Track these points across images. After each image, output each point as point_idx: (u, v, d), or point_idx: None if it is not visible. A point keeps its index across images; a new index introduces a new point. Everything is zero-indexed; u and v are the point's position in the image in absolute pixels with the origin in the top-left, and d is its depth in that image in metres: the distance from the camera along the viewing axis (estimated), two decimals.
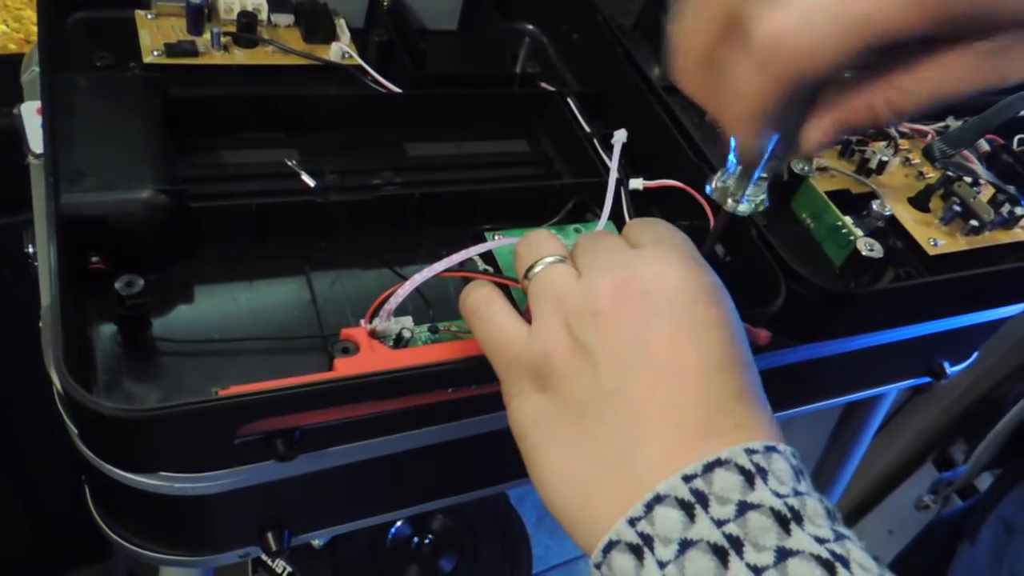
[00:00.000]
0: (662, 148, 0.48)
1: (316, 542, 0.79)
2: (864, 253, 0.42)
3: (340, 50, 0.50)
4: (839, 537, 0.23)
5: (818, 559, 0.22)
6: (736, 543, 0.22)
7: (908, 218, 0.47)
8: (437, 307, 0.40)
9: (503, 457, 0.47)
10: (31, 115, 0.42)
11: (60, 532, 0.90)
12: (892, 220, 0.46)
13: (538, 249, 0.31)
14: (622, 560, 0.24)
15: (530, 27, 0.60)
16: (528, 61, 0.56)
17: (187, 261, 0.40)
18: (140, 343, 0.36)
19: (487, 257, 0.43)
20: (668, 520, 0.23)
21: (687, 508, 0.23)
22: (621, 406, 0.26)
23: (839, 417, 0.86)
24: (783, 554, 0.22)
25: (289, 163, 0.42)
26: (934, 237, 0.46)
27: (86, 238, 0.36)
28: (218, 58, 0.48)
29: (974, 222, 0.46)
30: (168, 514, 0.39)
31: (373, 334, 0.37)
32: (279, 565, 0.64)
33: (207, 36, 0.48)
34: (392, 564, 0.88)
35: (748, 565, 0.22)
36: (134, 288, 0.34)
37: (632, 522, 0.24)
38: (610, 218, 0.45)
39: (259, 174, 0.44)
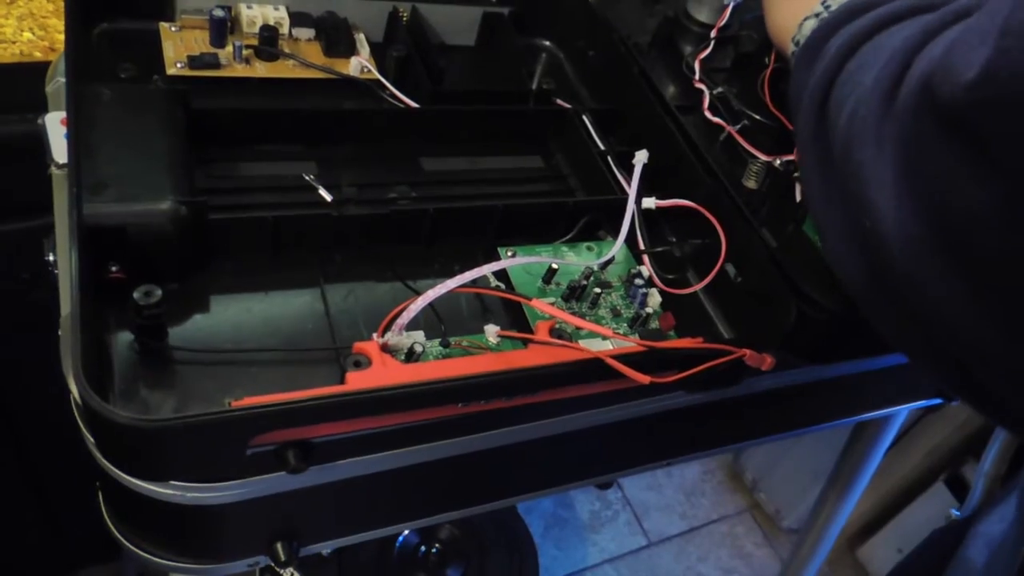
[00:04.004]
0: (675, 167, 0.48)
1: (324, 550, 0.80)
2: None
3: (359, 64, 0.51)
4: None
5: None
6: None
7: None
8: (449, 322, 0.41)
9: (512, 472, 0.48)
10: (55, 125, 0.43)
11: (71, 531, 0.91)
12: None
13: None
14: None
15: (547, 43, 0.60)
16: (544, 77, 0.56)
17: (204, 271, 0.40)
18: (156, 352, 0.37)
19: (500, 273, 0.44)
20: None
21: None
22: None
23: (850, 435, 0.86)
24: None
25: (307, 178, 0.43)
26: None
27: (106, 248, 0.37)
28: (240, 71, 0.48)
29: None
30: (179, 522, 0.39)
31: (385, 348, 0.37)
32: (288, 573, 0.64)
33: (229, 49, 0.49)
34: (399, 573, 0.88)
35: None
36: (152, 298, 0.35)
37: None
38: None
39: (276, 186, 0.45)
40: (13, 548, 0.91)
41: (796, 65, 0.37)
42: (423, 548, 0.91)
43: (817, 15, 0.39)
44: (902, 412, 0.74)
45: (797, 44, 0.40)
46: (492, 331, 0.40)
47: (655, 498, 1.35)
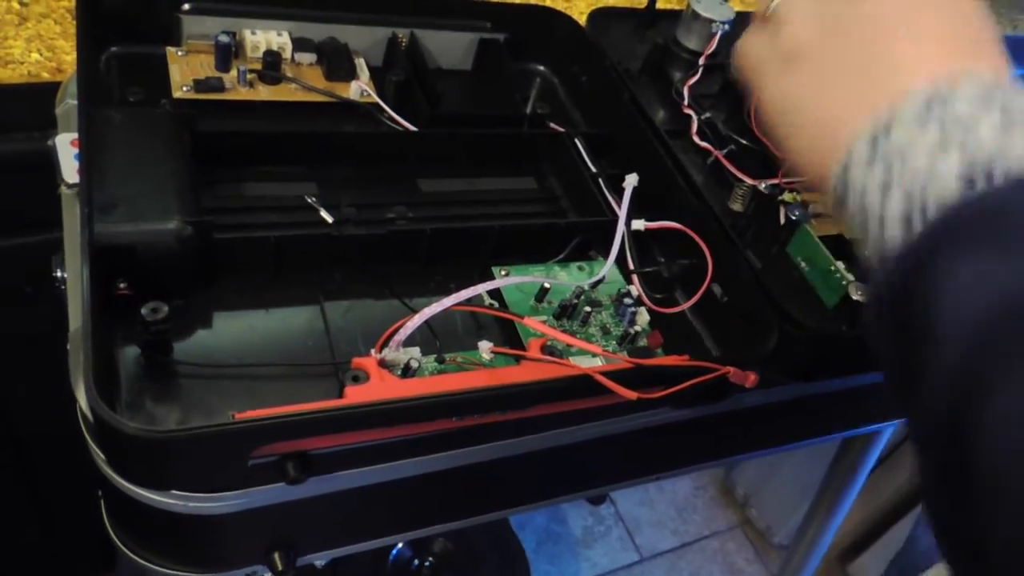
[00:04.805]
0: (663, 189, 0.50)
1: (318, 562, 0.80)
2: (855, 297, 0.44)
3: (359, 88, 0.52)
4: None
5: None
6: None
7: None
8: (444, 339, 0.42)
9: (505, 485, 0.49)
10: (65, 146, 0.44)
11: (69, 540, 0.92)
12: None
13: None
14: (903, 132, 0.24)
15: (541, 69, 0.62)
16: (538, 102, 0.58)
17: (208, 288, 0.42)
18: (162, 366, 0.38)
19: (494, 292, 0.45)
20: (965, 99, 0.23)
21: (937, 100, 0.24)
22: (855, 60, 0.27)
23: (836, 451, 0.88)
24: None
25: (309, 200, 0.44)
26: None
27: (115, 265, 0.38)
28: (243, 94, 0.50)
29: None
30: (181, 531, 0.41)
31: (382, 363, 0.38)
32: None
33: (234, 73, 0.50)
34: None
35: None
36: (159, 314, 0.36)
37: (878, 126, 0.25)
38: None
39: (279, 207, 0.46)
40: (10, 558, 0.92)
41: (881, 287, 0.23)
42: (416, 561, 0.91)
43: (873, 140, 0.24)
44: (888, 428, 0.76)
45: (845, 186, 0.25)
46: (486, 348, 0.41)
47: (647, 514, 1.36)
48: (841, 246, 0.48)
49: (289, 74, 0.52)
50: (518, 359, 0.41)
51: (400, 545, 0.91)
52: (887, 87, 0.25)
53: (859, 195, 0.25)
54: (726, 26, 0.58)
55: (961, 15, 0.27)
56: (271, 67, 0.51)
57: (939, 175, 0.23)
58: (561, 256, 0.48)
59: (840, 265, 0.45)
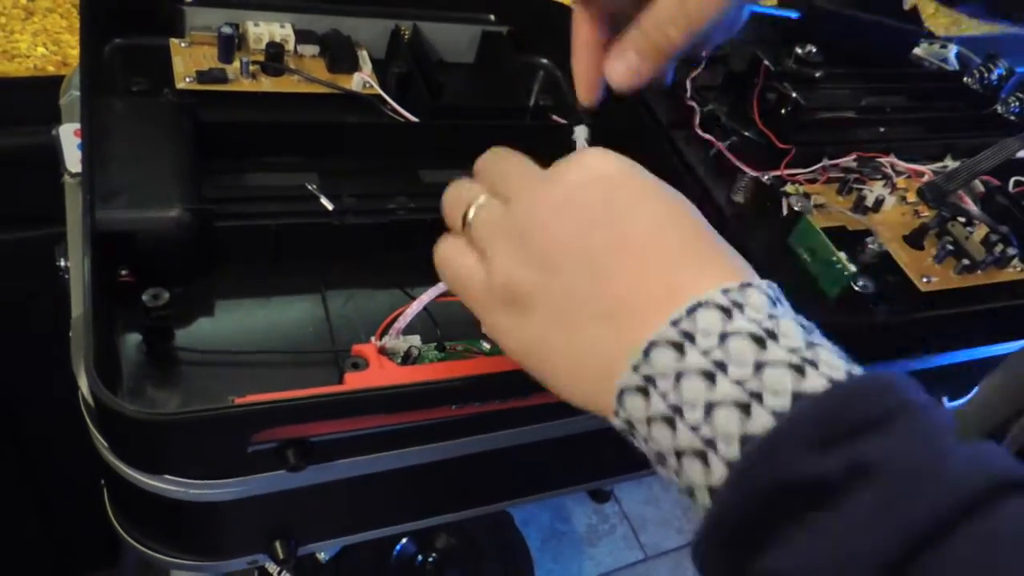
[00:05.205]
0: (668, 183, 0.50)
1: (321, 555, 0.81)
2: (856, 289, 0.44)
3: (362, 80, 0.52)
4: (810, 345, 0.26)
5: (789, 365, 0.25)
6: (721, 365, 0.25)
7: (902, 255, 0.48)
8: (445, 327, 0.42)
9: (506, 476, 0.49)
10: (68, 136, 0.45)
11: (71, 536, 0.92)
12: (886, 257, 0.47)
13: (464, 197, 0.34)
14: (634, 400, 0.27)
15: (544, 61, 0.62)
16: (541, 94, 0.58)
17: (209, 276, 0.42)
18: (163, 352, 0.38)
19: None
20: (664, 359, 0.26)
21: (678, 347, 0.26)
22: (596, 304, 0.28)
23: None
24: (760, 366, 0.25)
25: (310, 187, 0.44)
26: (927, 274, 0.47)
27: (117, 252, 0.38)
28: (246, 85, 0.50)
29: (966, 261, 0.47)
30: (182, 519, 0.41)
31: (383, 351, 0.39)
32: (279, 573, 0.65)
33: (237, 64, 0.50)
34: None
35: (733, 380, 0.25)
36: (160, 300, 0.37)
37: (635, 368, 0.27)
38: None
39: (280, 196, 0.46)
40: (12, 555, 0.92)
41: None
42: (420, 557, 0.91)
43: (641, 389, 0.26)
44: None
45: (630, 426, 0.28)
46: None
47: (652, 512, 1.36)
48: (843, 237, 0.48)
49: (292, 66, 0.52)
50: None
51: (404, 541, 0.91)
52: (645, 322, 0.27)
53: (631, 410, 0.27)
54: None
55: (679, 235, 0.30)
56: (274, 59, 0.51)
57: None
58: None
59: (842, 256, 0.45)
